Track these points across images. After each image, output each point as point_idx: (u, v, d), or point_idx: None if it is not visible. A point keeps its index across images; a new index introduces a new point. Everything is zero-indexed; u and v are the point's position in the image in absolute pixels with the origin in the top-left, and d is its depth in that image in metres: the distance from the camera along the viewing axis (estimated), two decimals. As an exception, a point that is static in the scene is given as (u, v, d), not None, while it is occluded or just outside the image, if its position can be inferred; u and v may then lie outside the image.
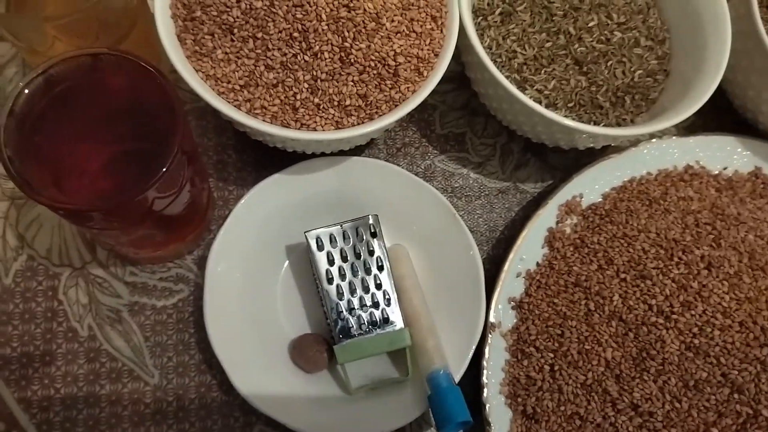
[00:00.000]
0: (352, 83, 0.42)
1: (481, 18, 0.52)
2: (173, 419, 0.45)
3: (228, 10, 0.42)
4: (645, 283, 0.44)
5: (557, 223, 0.49)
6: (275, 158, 0.49)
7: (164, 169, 0.34)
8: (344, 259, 0.45)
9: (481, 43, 0.51)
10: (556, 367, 0.44)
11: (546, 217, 0.49)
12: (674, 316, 0.42)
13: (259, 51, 0.41)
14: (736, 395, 0.40)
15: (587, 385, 0.43)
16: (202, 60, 0.42)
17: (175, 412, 0.45)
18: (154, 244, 0.44)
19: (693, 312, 0.42)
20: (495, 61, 0.50)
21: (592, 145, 0.49)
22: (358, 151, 0.52)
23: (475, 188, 0.53)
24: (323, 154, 0.48)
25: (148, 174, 0.34)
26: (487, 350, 0.45)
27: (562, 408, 0.43)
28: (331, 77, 0.42)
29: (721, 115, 0.56)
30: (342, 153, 0.49)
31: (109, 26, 0.42)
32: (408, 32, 0.44)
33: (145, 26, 0.44)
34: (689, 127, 0.56)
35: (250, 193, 0.46)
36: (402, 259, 0.47)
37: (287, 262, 0.48)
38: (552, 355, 0.44)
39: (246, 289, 0.46)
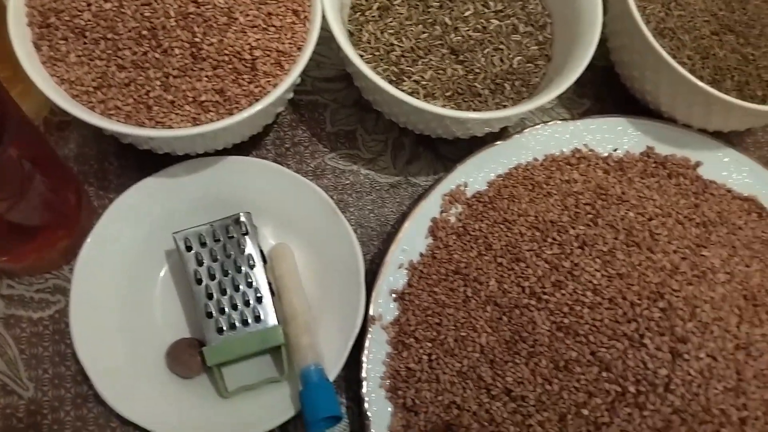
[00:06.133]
0: (206, 78, 0.42)
1: (359, 14, 0.51)
2: (47, 433, 0.43)
3: (80, 14, 0.42)
4: (519, 265, 0.43)
5: (441, 212, 0.48)
6: (158, 163, 0.48)
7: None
8: (214, 258, 0.44)
9: (360, 38, 0.51)
10: (434, 357, 0.43)
11: (429, 208, 0.48)
12: (545, 297, 0.41)
13: (110, 51, 0.41)
14: (604, 373, 0.39)
15: (463, 372, 0.42)
16: (56, 65, 0.42)
17: (50, 426, 0.44)
18: (19, 253, 0.44)
19: (563, 291, 0.41)
20: (373, 55, 0.50)
21: (471, 133, 0.49)
22: (245, 152, 0.52)
23: (366, 184, 0.53)
24: (205, 155, 0.48)
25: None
26: (367, 344, 0.44)
27: (440, 398, 0.42)
28: (183, 73, 0.41)
29: (620, 101, 0.56)
30: (227, 153, 0.48)
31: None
32: (266, 26, 0.43)
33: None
34: (586, 113, 0.56)
35: (118, 200, 0.46)
36: (284, 258, 0.47)
37: (166, 267, 0.47)
38: (430, 344, 0.43)
39: (120, 297, 0.45)
